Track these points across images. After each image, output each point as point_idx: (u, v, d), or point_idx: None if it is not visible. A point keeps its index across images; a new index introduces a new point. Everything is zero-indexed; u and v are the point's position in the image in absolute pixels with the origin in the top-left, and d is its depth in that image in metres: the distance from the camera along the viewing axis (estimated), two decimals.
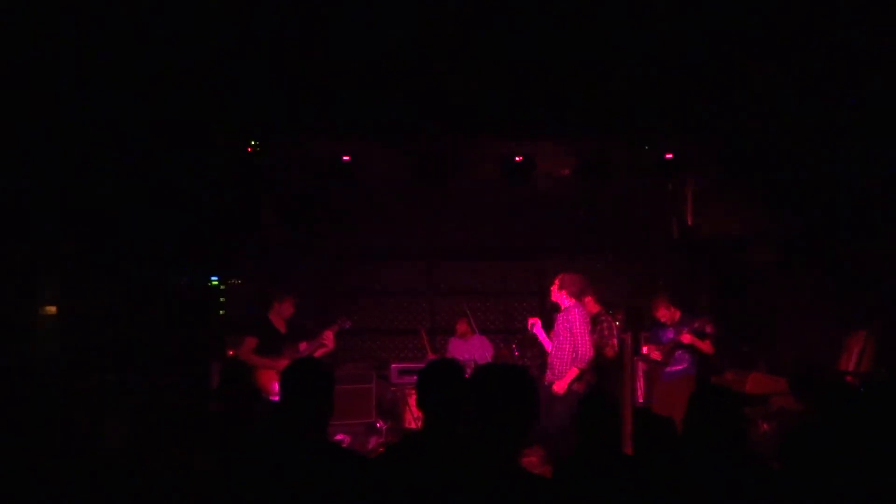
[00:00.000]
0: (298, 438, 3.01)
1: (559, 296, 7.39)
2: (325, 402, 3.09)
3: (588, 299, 8.06)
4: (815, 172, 8.20)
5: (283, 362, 7.66)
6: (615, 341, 8.11)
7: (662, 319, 8.25)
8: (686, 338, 7.90)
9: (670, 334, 8.11)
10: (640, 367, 9.04)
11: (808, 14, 5.86)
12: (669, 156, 8.25)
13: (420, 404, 3.28)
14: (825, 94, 6.98)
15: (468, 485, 2.51)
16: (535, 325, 7.50)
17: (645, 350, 8.47)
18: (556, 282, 7.45)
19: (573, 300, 7.31)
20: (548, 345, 7.40)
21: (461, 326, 9.41)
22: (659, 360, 8.17)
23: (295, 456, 2.94)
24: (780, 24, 6.01)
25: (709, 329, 7.87)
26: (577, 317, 7.15)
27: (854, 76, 6.58)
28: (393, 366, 8.67)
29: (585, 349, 7.07)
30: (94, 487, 3.15)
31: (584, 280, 7.51)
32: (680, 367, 8.05)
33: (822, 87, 6.85)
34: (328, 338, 8.02)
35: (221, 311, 9.80)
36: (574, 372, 7.06)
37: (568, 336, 7.16)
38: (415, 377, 8.30)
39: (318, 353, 7.87)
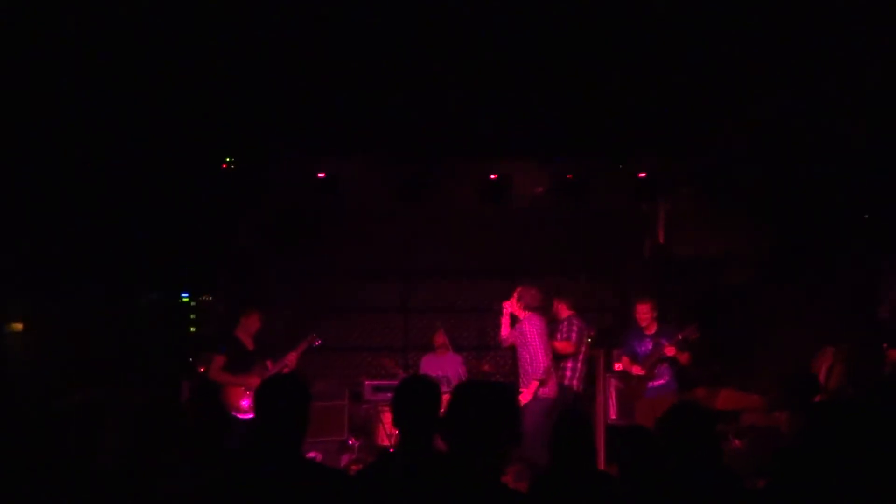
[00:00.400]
0: (275, 455, 2.97)
1: (516, 308, 7.81)
2: (301, 418, 3.06)
3: (561, 306, 8.44)
4: (788, 192, 8.31)
5: (252, 380, 7.71)
6: (574, 336, 8.25)
7: (642, 322, 8.06)
8: (670, 350, 7.75)
9: (648, 346, 7.96)
10: (612, 383, 9.04)
11: (783, 35, 5.93)
12: (643, 175, 8.30)
13: (396, 422, 3.26)
14: (800, 114, 7.08)
15: (451, 502, 2.49)
16: (507, 309, 7.88)
17: (619, 366, 8.42)
18: (515, 294, 7.86)
19: (528, 313, 7.71)
20: (504, 330, 7.89)
21: (439, 338, 9.33)
22: (642, 374, 7.98)
23: (272, 473, 2.91)
24: (756, 46, 6.08)
25: (694, 336, 7.72)
26: (530, 329, 7.57)
27: (829, 96, 6.67)
28: (366, 383, 8.61)
29: (539, 361, 7.48)
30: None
31: (543, 295, 7.90)
32: (662, 382, 7.92)
33: (797, 106, 6.95)
34: (290, 358, 8.08)
35: (192, 329, 9.70)
36: (534, 385, 7.43)
37: (526, 348, 7.58)
38: (388, 394, 8.40)
39: (283, 372, 7.87)
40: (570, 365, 8.28)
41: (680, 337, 7.74)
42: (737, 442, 7.78)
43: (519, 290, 7.91)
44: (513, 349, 8.04)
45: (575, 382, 8.25)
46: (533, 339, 7.58)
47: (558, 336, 8.26)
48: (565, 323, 8.38)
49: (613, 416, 8.98)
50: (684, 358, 7.81)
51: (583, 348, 8.37)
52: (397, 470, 2.94)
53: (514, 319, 7.87)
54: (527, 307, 7.78)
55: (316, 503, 2.87)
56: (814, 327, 8.31)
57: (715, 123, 7.59)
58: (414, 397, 3.23)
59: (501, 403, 2.69)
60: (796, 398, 6.21)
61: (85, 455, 3.28)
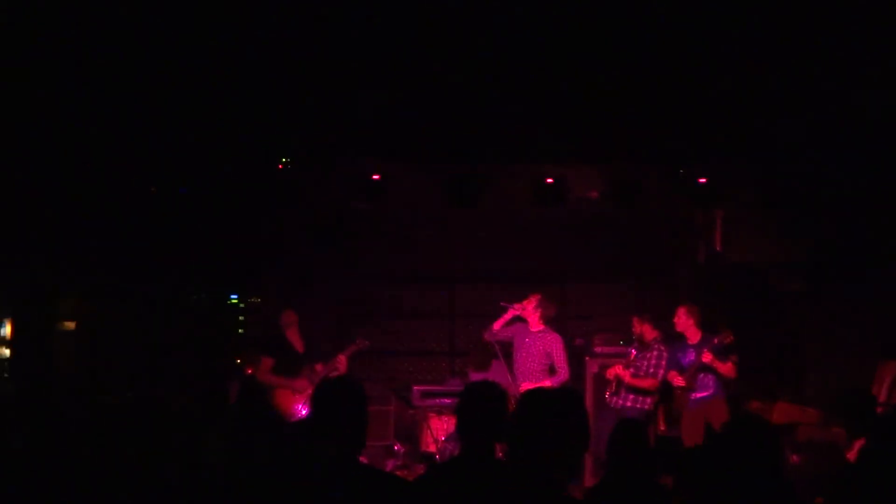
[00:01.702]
0: (333, 459, 2.90)
1: (532, 315, 7.79)
2: (360, 421, 2.99)
3: (646, 327, 8.15)
4: (846, 201, 8.10)
5: (300, 383, 7.74)
6: (661, 372, 7.93)
7: (678, 328, 7.82)
8: (706, 357, 7.43)
9: (691, 356, 7.66)
10: None
11: (841, 41, 5.78)
12: (703, 180, 8.14)
13: (460, 428, 3.16)
14: (860, 123, 6.90)
15: None
16: (514, 311, 7.85)
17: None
18: (533, 301, 7.81)
19: (544, 325, 7.79)
20: (497, 325, 7.89)
21: None
22: (683, 385, 7.69)
23: (331, 477, 2.84)
24: (815, 53, 5.93)
25: (728, 340, 7.42)
26: (558, 348, 7.71)
27: (888, 103, 6.49)
28: (415, 388, 8.55)
29: (565, 373, 7.65)
30: None
31: (557, 308, 8.05)
32: (706, 394, 7.58)
33: (857, 115, 6.77)
34: (341, 361, 8.02)
35: (241, 330, 9.74)
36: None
37: (544, 358, 7.67)
38: (437, 400, 8.32)
39: (332, 375, 7.81)
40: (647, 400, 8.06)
41: (715, 341, 7.44)
42: (794, 458, 7.55)
43: (539, 298, 7.87)
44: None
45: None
46: (561, 359, 7.71)
47: (643, 367, 7.97)
48: (655, 353, 8.02)
49: (662, 428, 8.82)
50: (726, 368, 7.48)
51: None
52: (460, 477, 2.85)
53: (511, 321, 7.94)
54: (545, 319, 7.81)
55: None
56: (872, 338, 8.07)
57: (774, 130, 7.42)
58: (481, 403, 3.13)
59: (572, 412, 2.58)
60: (852, 414, 6.01)
61: (141, 454, 3.25)
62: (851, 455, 6.90)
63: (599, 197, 8.72)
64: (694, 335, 7.74)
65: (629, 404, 7.95)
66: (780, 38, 5.82)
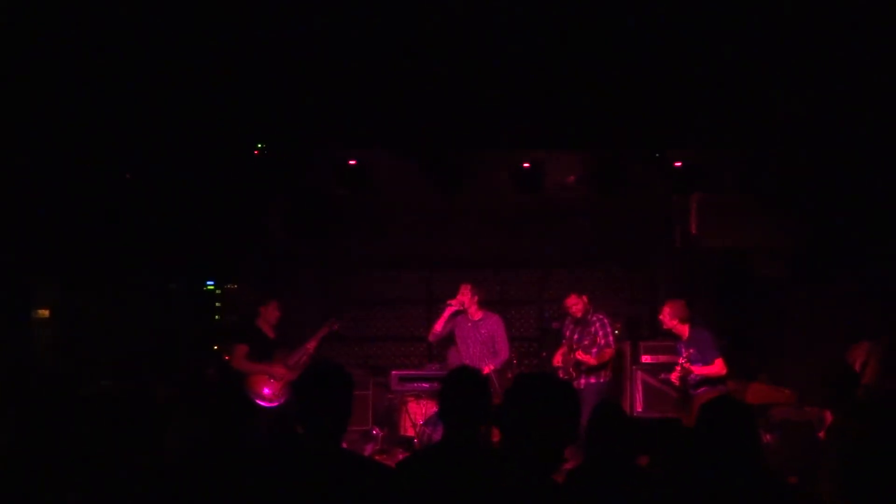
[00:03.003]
0: (317, 445, 2.91)
1: (472, 305, 8.12)
2: (345, 407, 2.99)
3: (583, 301, 8.21)
4: (822, 185, 8.18)
5: (276, 369, 7.85)
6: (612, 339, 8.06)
7: (666, 326, 7.76)
8: (686, 367, 7.40)
9: (682, 352, 7.59)
10: (639, 376, 8.96)
11: (821, 26, 5.81)
12: (678, 164, 8.18)
13: (442, 413, 3.17)
14: (835, 105, 6.94)
15: (504, 499, 2.41)
16: (447, 309, 8.13)
17: (648, 358, 8.28)
18: (467, 291, 8.14)
19: (483, 312, 8.17)
20: (439, 325, 8.15)
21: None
22: (677, 384, 7.68)
23: (314, 463, 2.85)
24: (794, 37, 5.97)
25: (692, 352, 7.36)
26: (500, 325, 8.16)
27: (868, 89, 6.54)
28: (393, 373, 8.55)
29: (505, 353, 8.07)
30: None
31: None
32: (700, 390, 7.47)
33: (833, 97, 6.81)
34: (310, 346, 8.17)
35: (217, 317, 9.71)
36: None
37: (489, 342, 8.03)
38: (415, 384, 8.36)
39: (301, 362, 7.96)
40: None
41: (691, 351, 7.39)
42: (768, 437, 7.66)
43: (471, 287, 8.18)
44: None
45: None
46: (503, 340, 8.13)
47: (588, 343, 8.00)
48: (596, 324, 8.08)
49: (639, 409, 8.92)
50: (713, 370, 7.37)
51: None
52: (443, 462, 2.86)
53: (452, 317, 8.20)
54: (481, 305, 8.19)
55: (358, 494, 2.81)
56: (846, 321, 8.17)
57: (752, 115, 7.45)
58: (463, 388, 3.14)
59: (563, 398, 2.59)
60: (834, 393, 6.10)
61: (121, 443, 3.24)
62: (822, 434, 7.03)
63: (577, 182, 8.75)
64: (682, 331, 7.66)
65: (583, 384, 7.92)
66: (757, 21, 5.84)
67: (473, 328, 8.14)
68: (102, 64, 6.29)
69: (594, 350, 7.97)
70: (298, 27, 5.85)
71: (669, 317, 7.70)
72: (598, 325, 8.06)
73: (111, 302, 8.84)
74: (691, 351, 7.45)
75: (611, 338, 8.02)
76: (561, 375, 7.95)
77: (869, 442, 4.15)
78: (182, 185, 8.54)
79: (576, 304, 8.13)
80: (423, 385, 8.27)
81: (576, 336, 8.12)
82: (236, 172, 8.41)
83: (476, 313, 8.16)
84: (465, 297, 8.13)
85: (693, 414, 7.35)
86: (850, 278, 8.37)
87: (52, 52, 6.01)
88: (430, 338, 8.39)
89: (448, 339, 8.51)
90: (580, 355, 7.91)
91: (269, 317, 8.10)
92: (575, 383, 7.84)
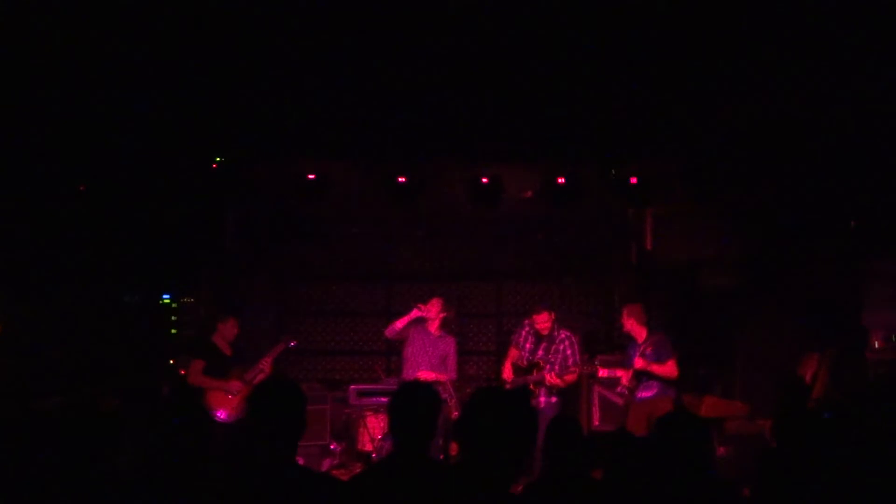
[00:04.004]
0: (269, 460, 2.90)
1: (435, 320, 8.12)
2: (297, 422, 2.99)
3: (552, 318, 7.99)
4: (773, 197, 8.33)
5: (232, 384, 7.84)
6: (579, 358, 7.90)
7: (626, 329, 7.84)
8: (638, 363, 7.51)
9: (634, 354, 7.70)
10: (596, 389, 9.02)
11: (770, 35, 5.92)
12: (634, 180, 8.27)
13: (393, 428, 3.17)
14: (785, 118, 7.09)
15: None
16: (419, 314, 8.08)
17: (604, 372, 8.31)
18: (437, 304, 8.14)
19: (441, 331, 8.20)
20: (400, 323, 8.09)
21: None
22: (628, 386, 7.70)
23: (266, 478, 2.84)
24: (744, 48, 6.07)
25: (650, 347, 7.49)
26: (453, 347, 8.23)
27: (817, 98, 6.68)
28: (351, 387, 8.50)
29: (454, 373, 8.12)
30: None
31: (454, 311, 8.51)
32: (650, 393, 7.57)
33: (783, 111, 6.96)
34: (265, 364, 8.11)
35: (174, 331, 9.59)
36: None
37: (438, 359, 8.03)
38: (373, 398, 8.32)
39: (257, 379, 7.86)
40: None
41: (648, 350, 7.49)
42: (721, 450, 7.77)
43: (442, 301, 8.18)
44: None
45: None
46: (454, 362, 8.20)
47: (559, 361, 7.81)
48: (566, 342, 7.92)
49: (596, 423, 8.98)
50: (664, 370, 7.46)
51: None
52: (396, 476, 2.86)
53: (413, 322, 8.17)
54: (444, 324, 8.23)
55: None
56: (797, 333, 8.32)
57: (701, 128, 7.58)
58: (415, 403, 3.15)
59: (521, 410, 2.60)
60: (785, 404, 6.20)
61: (73, 458, 3.20)
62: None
63: (534, 196, 8.82)
64: (640, 334, 7.74)
65: (543, 403, 7.74)
66: (705, 34, 5.92)
67: (430, 343, 8.12)
68: (62, 74, 6.22)
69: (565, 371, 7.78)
70: (258, 40, 5.83)
71: (627, 318, 7.80)
72: (567, 343, 7.87)
73: (65, 315, 8.69)
74: (647, 350, 7.53)
75: (578, 357, 7.83)
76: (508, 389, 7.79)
77: (818, 455, 4.23)
78: (139, 198, 8.45)
79: (545, 320, 7.85)
80: (382, 399, 8.22)
81: (539, 353, 7.90)
82: (195, 185, 8.35)
83: (436, 329, 8.16)
84: (433, 309, 8.11)
85: (637, 418, 7.50)
86: (798, 289, 8.52)
87: (12, 61, 5.93)
88: (387, 333, 8.27)
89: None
90: (551, 378, 7.68)
91: (226, 333, 8.07)
92: (534, 401, 7.66)
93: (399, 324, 8.16)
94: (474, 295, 10.63)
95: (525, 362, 7.98)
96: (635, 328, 7.78)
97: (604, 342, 9.92)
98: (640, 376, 7.61)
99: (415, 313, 8.11)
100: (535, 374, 7.82)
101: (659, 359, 7.53)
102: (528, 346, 8.05)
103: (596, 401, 9.07)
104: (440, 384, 7.43)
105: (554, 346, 7.89)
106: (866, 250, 8.35)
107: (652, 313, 8.28)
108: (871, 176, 7.66)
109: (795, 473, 3.87)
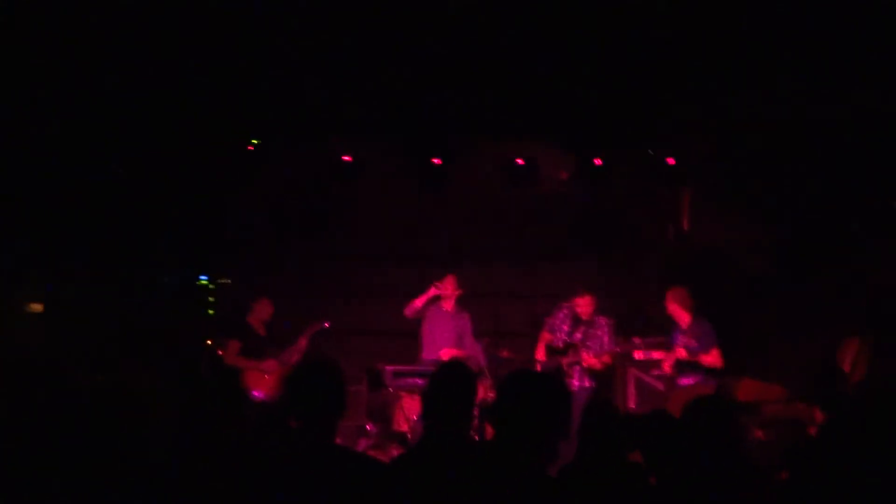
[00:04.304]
0: (310, 441, 2.91)
1: (452, 297, 8.30)
2: (338, 402, 2.99)
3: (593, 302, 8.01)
4: (814, 181, 8.21)
5: (268, 364, 7.97)
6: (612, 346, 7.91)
7: (669, 312, 7.75)
8: (681, 353, 7.43)
9: (679, 340, 7.60)
10: (632, 372, 8.97)
11: (806, 26, 5.84)
12: (671, 161, 8.18)
13: (431, 409, 3.17)
14: (823, 103, 6.98)
15: (499, 495, 2.41)
16: (431, 290, 8.23)
17: (640, 354, 8.22)
18: (452, 281, 8.28)
19: (456, 307, 8.33)
20: (420, 301, 8.22)
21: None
22: (669, 373, 7.69)
23: (307, 458, 2.85)
24: (780, 38, 5.99)
25: (693, 343, 7.37)
26: (469, 322, 8.36)
27: (853, 84, 6.57)
28: (387, 368, 8.54)
29: (471, 349, 8.18)
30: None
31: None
32: (693, 381, 7.53)
33: (821, 95, 6.84)
34: (301, 344, 8.24)
35: (210, 311, 9.70)
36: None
37: (455, 335, 8.22)
38: (409, 380, 8.37)
39: (293, 359, 8.01)
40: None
41: (692, 343, 7.38)
42: (759, 433, 7.68)
43: (456, 278, 8.31)
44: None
45: None
46: (471, 336, 8.29)
47: (604, 347, 7.86)
48: (604, 327, 7.97)
49: (632, 406, 8.93)
50: (710, 359, 7.38)
51: None
52: (437, 458, 2.86)
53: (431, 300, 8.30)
54: (458, 300, 8.34)
55: (352, 489, 2.82)
56: (832, 317, 8.21)
57: (740, 109, 7.48)
58: (454, 384, 3.14)
59: (556, 393, 2.60)
60: (822, 390, 6.11)
61: (111, 437, 3.25)
62: (813, 430, 7.05)
63: (569, 177, 8.76)
64: (683, 318, 7.67)
65: (577, 387, 7.77)
66: (744, 22, 5.86)
67: (447, 318, 8.30)
68: (96, 61, 6.29)
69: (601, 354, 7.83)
70: (291, 22, 5.84)
71: (670, 302, 7.71)
72: (606, 329, 7.93)
73: (104, 295, 8.82)
74: (690, 339, 7.45)
75: (613, 343, 7.90)
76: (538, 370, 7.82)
77: (862, 440, 4.18)
78: (176, 180, 8.54)
79: (588, 304, 7.89)
80: (418, 381, 8.25)
81: (578, 335, 7.93)
82: (231, 167, 8.42)
83: (453, 306, 8.33)
84: (449, 287, 8.27)
85: (678, 405, 7.38)
86: (836, 273, 8.40)
87: (46, 51, 6.00)
88: (406, 312, 8.41)
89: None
90: (588, 358, 7.74)
91: (260, 313, 8.16)
92: (568, 382, 7.66)
93: (418, 302, 8.31)
94: (508, 277, 10.59)
95: (561, 344, 7.98)
96: (678, 312, 7.70)
97: (639, 324, 9.84)
98: (683, 366, 7.54)
99: (432, 291, 8.26)
100: (570, 355, 7.81)
101: (703, 348, 7.44)
102: (565, 328, 8.08)
103: (632, 383, 9.02)
104: (475, 365, 7.51)
105: (592, 331, 7.92)
106: None
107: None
108: None
109: (833, 459, 3.82)
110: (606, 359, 7.82)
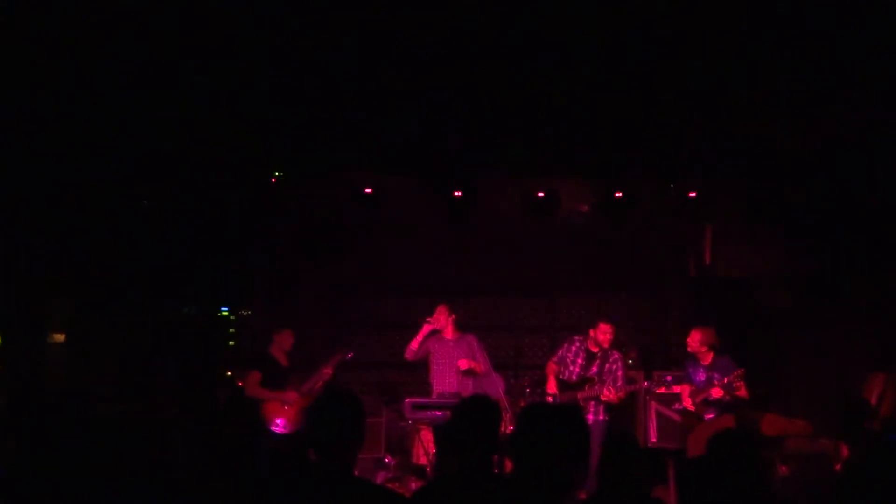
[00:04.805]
0: (329, 472, 2.90)
1: (448, 325, 8.13)
2: (357, 434, 2.98)
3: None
4: (833, 214, 8.17)
5: (289, 395, 7.91)
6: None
7: (690, 349, 7.74)
8: (717, 392, 7.38)
9: (702, 376, 7.63)
10: (653, 405, 8.90)
11: (827, 57, 5.84)
12: (693, 194, 8.17)
13: (455, 442, 3.15)
14: (845, 135, 6.96)
15: None
16: (424, 327, 8.10)
17: (662, 389, 8.16)
18: (444, 311, 8.14)
19: (458, 332, 8.17)
20: (416, 343, 8.10)
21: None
22: (692, 410, 7.65)
23: (326, 490, 2.84)
24: (802, 68, 5.99)
25: (738, 384, 7.31)
26: (476, 342, 8.10)
27: (878, 115, 6.55)
28: (406, 400, 8.48)
29: (487, 369, 7.95)
30: None
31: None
32: (713, 415, 7.53)
33: (844, 127, 6.83)
34: (325, 373, 8.18)
35: (231, 343, 9.74)
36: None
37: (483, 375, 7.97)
38: (428, 412, 8.34)
39: (314, 390, 7.97)
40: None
41: (726, 381, 7.35)
42: (783, 468, 7.58)
43: (447, 307, 8.17)
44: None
45: None
46: (483, 356, 8.01)
47: (617, 382, 7.77)
48: (618, 360, 7.92)
49: (654, 440, 8.85)
50: (742, 394, 7.39)
51: None
52: (458, 492, 2.83)
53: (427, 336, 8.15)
54: (457, 324, 8.19)
55: None
56: (859, 352, 8.13)
57: (761, 144, 7.48)
58: (478, 417, 3.12)
59: (573, 425, 2.58)
60: (849, 425, 6.04)
61: (131, 465, 3.26)
62: (839, 466, 6.95)
63: (590, 210, 8.77)
64: (706, 357, 7.68)
65: (591, 420, 7.67)
66: (766, 54, 5.87)
67: (449, 347, 8.17)
68: (123, 90, 6.37)
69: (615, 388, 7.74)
70: (314, 55, 5.91)
71: (699, 343, 7.68)
72: (620, 363, 7.89)
73: (126, 326, 8.89)
74: (715, 375, 7.45)
75: (625, 379, 7.88)
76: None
77: (890, 477, 4.11)
78: (198, 212, 8.61)
79: (608, 332, 7.79)
80: (437, 413, 8.20)
81: (593, 369, 7.86)
82: (252, 198, 8.48)
83: (452, 333, 8.20)
84: (441, 318, 8.16)
85: (701, 437, 7.34)
86: (860, 307, 8.32)
87: (73, 77, 6.09)
88: (407, 355, 8.30)
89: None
90: (609, 393, 7.63)
91: (282, 344, 8.15)
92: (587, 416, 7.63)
93: (414, 343, 8.22)
94: (528, 309, 10.58)
95: (575, 377, 7.91)
96: (703, 353, 7.70)
97: (659, 358, 9.78)
98: (711, 403, 7.53)
99: (426, 328, 8.17)
100: (586, 389, 7.76)
101: (735, 388, 7.40)
102: (579, 361, 7.99)
103: (653, 417, 8.93)
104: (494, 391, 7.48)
105: (608, 365, 7.86)
106: None
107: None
108: None
109: (859, 496, 3.76)
110: (623, 393, 7.75)
